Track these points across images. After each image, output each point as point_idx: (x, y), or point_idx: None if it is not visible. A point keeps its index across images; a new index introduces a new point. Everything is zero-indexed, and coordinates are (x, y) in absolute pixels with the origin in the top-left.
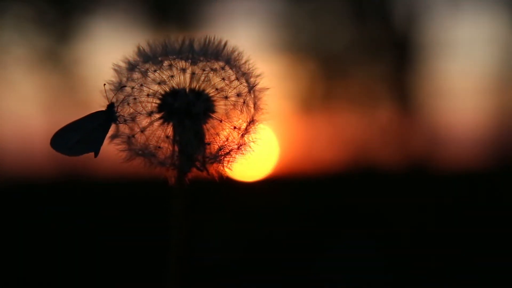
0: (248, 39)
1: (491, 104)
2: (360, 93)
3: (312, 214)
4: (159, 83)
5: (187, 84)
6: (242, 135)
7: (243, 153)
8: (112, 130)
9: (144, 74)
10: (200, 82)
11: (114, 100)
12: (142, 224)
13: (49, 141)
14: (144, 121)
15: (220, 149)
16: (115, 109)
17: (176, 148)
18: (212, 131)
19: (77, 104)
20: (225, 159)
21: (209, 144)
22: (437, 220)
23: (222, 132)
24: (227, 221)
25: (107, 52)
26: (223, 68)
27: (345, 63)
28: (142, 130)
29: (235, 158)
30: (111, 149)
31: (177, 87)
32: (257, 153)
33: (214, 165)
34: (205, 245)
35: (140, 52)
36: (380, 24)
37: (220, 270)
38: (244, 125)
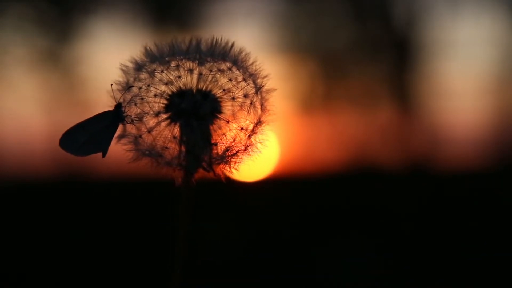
0: (248, 39)
1: (491, 104)
2: (360, 93)
3: (312, 214)
4: (166, 84)
5: (194, 85)
6: (249, 136)
7: (249, 154)
8: (119, 130)
9: (151, 74)
10: (207, 82)
11: (121, 100)
12: (147, 224)
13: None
14: (151, 122)
15: (226, 150)
16: (123, 109)
17: (183, 149)
18: (219, 131)
19: (77, 104)
20: (232, 160)
21: (215, 144)
22: (437, 220)
23: (229, 133)
24: (228, 221)
25: (107, 52)
26: (230, 69)
27: (345, 63)
28: (149, 131)
29: (241, 159)
30: (118, 149)
31: (184, 88)
32: (259, 153)
33: (221, 166)
34: (206, 245)
35: (147, 52)
36: (380, 24)
37: (220, 270)
38: (251, 126)
